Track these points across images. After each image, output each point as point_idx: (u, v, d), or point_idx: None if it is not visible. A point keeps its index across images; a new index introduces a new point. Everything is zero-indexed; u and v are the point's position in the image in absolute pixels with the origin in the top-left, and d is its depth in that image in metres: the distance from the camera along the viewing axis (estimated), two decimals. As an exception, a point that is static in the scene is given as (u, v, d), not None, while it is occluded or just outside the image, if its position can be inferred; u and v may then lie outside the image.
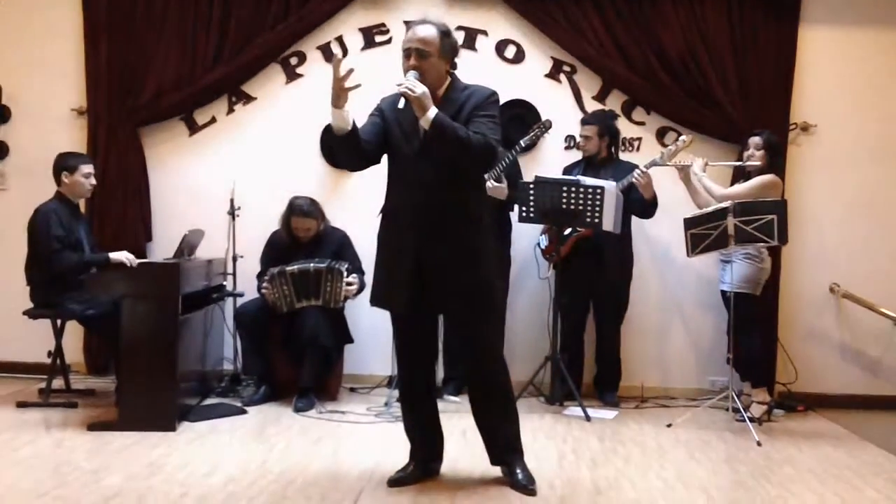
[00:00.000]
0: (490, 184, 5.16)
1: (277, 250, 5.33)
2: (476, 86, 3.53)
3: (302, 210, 5.22)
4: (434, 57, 3.40)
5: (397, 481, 3.62)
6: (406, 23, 3.55)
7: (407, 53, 3.40)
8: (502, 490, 3.59)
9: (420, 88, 3.27)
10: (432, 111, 3.29)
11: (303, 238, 5.27)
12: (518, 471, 3.59)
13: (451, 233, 3.42)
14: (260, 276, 5.28)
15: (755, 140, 5.04)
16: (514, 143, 5.28)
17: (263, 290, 5.14)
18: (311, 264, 5.11)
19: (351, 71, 3.26)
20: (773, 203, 4.69)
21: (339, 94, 3.27)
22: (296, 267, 5.10)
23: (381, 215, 3.60)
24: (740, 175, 5.19)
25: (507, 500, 3.49)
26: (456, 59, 3.55)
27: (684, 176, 5.11)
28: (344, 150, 3.47)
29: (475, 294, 3.46)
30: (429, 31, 3.41)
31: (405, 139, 3.45)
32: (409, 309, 3.47)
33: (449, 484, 3.67)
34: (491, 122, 3.43)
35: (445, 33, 3.45)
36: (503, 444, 3.66)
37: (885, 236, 5.68)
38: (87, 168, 5.00)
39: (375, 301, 3.62)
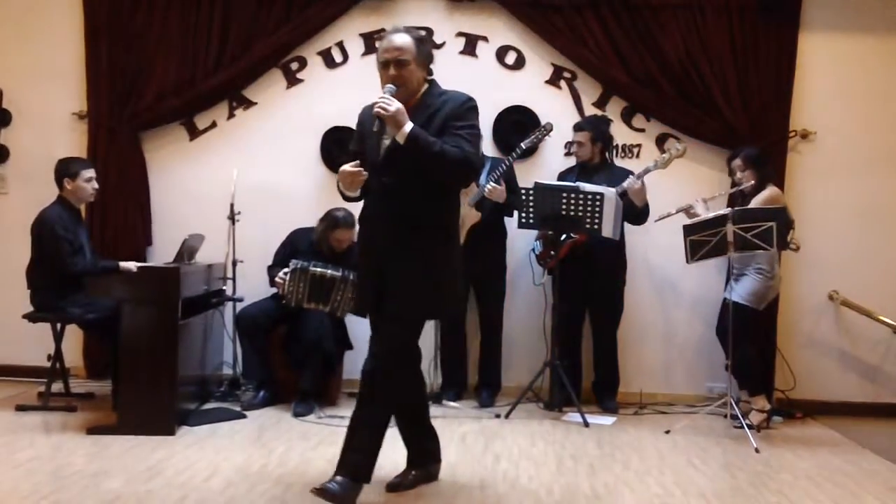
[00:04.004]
0: (489, 186, 5.18)
1: (296, 250, 5.30)
2: (453, 91, 3.48)
3: (347, 222, 5.14)
4: (412, 65, 3.36)
5: (396, 486, 3.62)
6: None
7: (385, 64, 3.36)
8: (502, 495, 3.60)
9: (394, 106, 3.25)
10: (408, 126, 3.26)
11: (342, 249, 5.24)
12: (334, 479, 3.28)
13: (410, 241, 3.35)
14: (272, 269, 5.28)
15: (737, 162, 5.06)
16: (513, 147, 5.30)
17: (278, 280, 5.12)
18: (329, 270, 5.08)
19: (361, 169, 3.35)
20: (772, 210, 4.71)
21: (353, 184, 3.38)
22: (318, 269, 5.07)
23: (359, 221, 3.63)
24: (739, 197, 5.17)
25: (505, 506, 3.50)
26: (432, 66, 3.48)
27: (692, 217, 5.11)
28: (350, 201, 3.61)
29: (410, 295, 3.35)
30: (404, 40, 3.36)
31: (374, 148, 3.42)
32: (373, 313, 3.47)
33: (447, 489, 3.67)
34: (468, 133, 3.38)
35: (420, 40, 3.41)
36: (351, 449, 3.38)
37: (884, 243, 5.68)
38: (89, 173, 5.02)
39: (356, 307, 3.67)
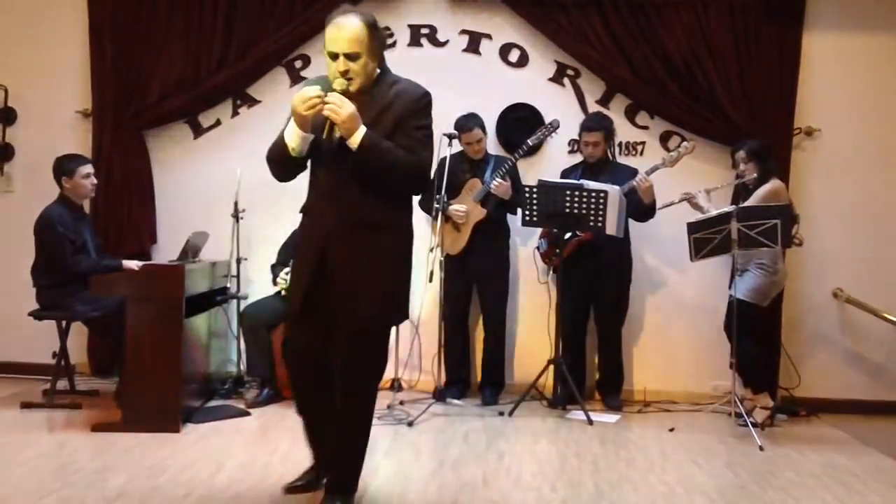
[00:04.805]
0: (495, 182, 5.18)
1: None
2: (406, 81, 3.21)
3: None
4: (364, 56, 3.07)
5: (294, 488, 3.43)
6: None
7: (334, 56, 3.07)
8: (505, 492, 3.61)
9: (346, 111, 3.00)
10: (360, 131, 3.03)
11: None
12: (328, 499, 3.20)
13: (353, 238, 3.12)
14: (275, 267, 5.28)
15: (740, 154, 5.06)
16: (518, 145, 5.29)
17: (280, 281, 5.12)
18: None
19: (322, 97, 3.02)
20: (776, 208, 4.70)
21: (307, 120, 3.06)
22: None
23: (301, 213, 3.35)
24: (742, 190, 5.16)
25: (510, 502, 3.50)
26: (385, 53, 3.22)
27: (694, 206, 5.11)
28: (291, 169, 3.23)
29: (374, 305, 3.14)
30: (357, 28, 3.04)
31: (321, 139, 3.14)
32: (302, 310, 3.21)
33: (451, 486, 3.67)
34: (423, 134, 3.17)
35: (373, 25, 3.10)
36: (333, 474, 3.27)
37: (888, 241, 5.66)
38: (86, 169, 5.02)
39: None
